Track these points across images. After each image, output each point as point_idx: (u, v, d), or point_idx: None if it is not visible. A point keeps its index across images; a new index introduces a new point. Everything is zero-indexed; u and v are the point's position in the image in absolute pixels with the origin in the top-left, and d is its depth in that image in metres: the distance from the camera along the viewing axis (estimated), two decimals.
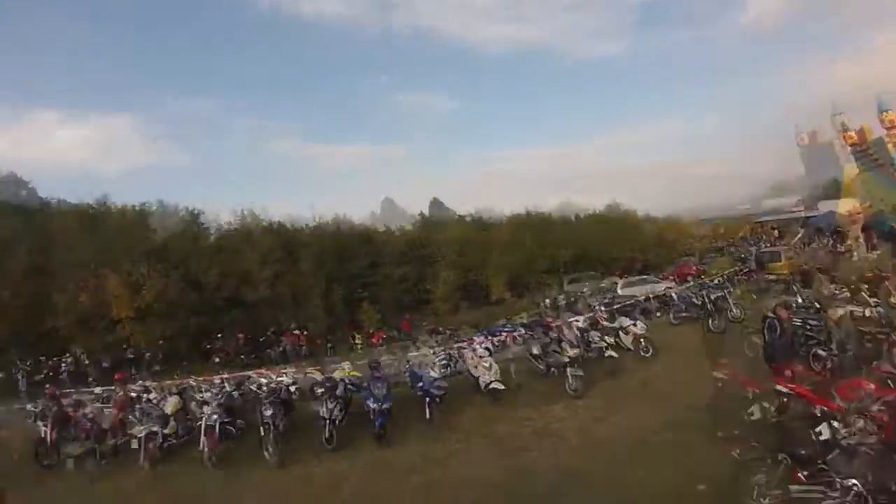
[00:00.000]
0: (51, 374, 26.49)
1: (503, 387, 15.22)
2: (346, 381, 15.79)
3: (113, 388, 19.17)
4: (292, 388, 17.52)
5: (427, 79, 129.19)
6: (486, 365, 15.88)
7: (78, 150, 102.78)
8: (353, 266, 38.39)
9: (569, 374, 15.13)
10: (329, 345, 30.60)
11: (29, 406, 16.92)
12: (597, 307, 25.33)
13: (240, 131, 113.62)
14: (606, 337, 17.77)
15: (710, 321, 19.80)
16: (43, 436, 13.99)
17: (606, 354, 16.70)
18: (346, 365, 18.76)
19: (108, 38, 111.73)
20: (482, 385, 15.42)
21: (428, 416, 13.98)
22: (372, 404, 13.38)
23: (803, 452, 7.55)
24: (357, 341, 31.49)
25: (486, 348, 18.98)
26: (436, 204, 61.10)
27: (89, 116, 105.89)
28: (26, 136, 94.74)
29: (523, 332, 22.95)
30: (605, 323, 19.80)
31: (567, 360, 15.49)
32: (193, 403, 15.41)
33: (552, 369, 16.39)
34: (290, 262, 35.88)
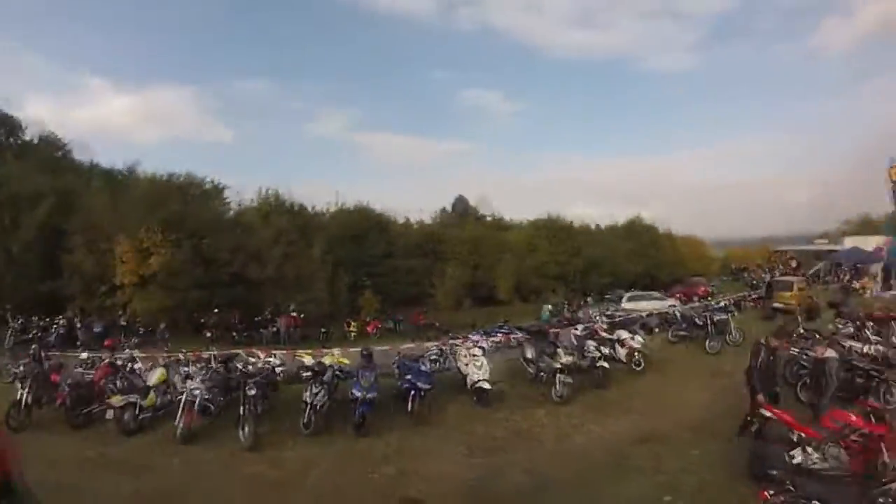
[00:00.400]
0: (40, 334, 25.98)
1: (489, 387, 15.01)
2: (335, 367, 15.62)
3: (100, 354, 19.07)
4: (279, 370, 17.46)
5: (491, 78, 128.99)
6: (478, 364, 15.65)
7: (126, 119, 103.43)
8: (364, 253, 38.29)
9: (557, 380, 15.07)
10: (324, 330, 30.37)
11: (10, 365, 16.74)
12: (597, 318, 25.17)
13: (293, 115, 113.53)
14: (602, 347, 17.55)
15: (707, 342, 19.83)
16: (19, 398, 13.55)
17: (598, 364, 16.53)
18: (336, 351, 18.75)
19: (173, 13, 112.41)
20: (469, 383, 15.25)
21: (410, 408, 13.79)
22: (357, 392, 13.17)
23: (774, 473, 7.77)
24: (352, 329, 31.41)
25: (481, 347, 18.69)
26: (461, 201, 60.78)
27: (140, 88, 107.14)
28: (79, 101, 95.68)
29: (521, 334, 22.84)
30: (604, 334, 19.67)
31: (558, 366, 15.37)
32: (177, 377, 15.13)
33: (542, 374, 16.31)
34: (303, 244, 35.86)
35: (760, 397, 10.52)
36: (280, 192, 40.65)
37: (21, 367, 15.14)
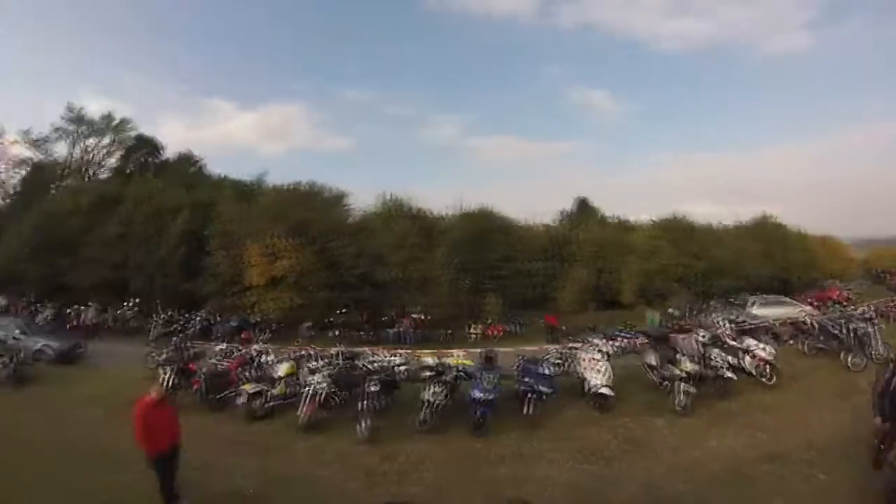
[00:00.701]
0: (182, 327, 29.13)
1: (610, 393, 14.73)
2: (457, 368, 15.87)
3: (235, 346, 20.62)
4: (401, 369, 18.02)
5: (596, 75, 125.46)
6: (600, 369, 15.53)
7: (248, 134, 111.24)
8: (486, 256, 38.21)
9: (680, 389, 14.47)
10: (447, 331, 30.71)
11: (155, 353, 18.54)
12: (723, 324, 23.92)
13: (398, 121, 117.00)
14: (728, 357, 16.69)
15: (847, 356, 17.74)
16: (161, 382, 14.79)
17: (724, 375, 15.64)
18: (459, 352, 18.96)
19: (278, 34, 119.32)
20: (590, 388, 15.06)
21: (528, 411, 13.78)
22: (477, 394, 13.43)
23: None
24: (475, 331, 31.46)
25: (602, 351, 18.30)
26: (580, 202, 59.78)
27: (261, 105, 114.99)
28: (206, 122, 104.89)
29: (643, 339, 22.18)
30: (730, 342, 18.55)
31: (682, 374, 14.88)
32: (305, 371, 16.14)
33: (665, 382, 15.70)
34: (425, 247, 36.47)
35: (878, 421, 9.20)
36: (400, 198, 41.57)
37: (165, 355, 17.37)
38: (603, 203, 61.47)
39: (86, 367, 21.64)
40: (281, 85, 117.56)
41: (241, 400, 14.46)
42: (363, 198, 42.16)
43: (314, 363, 17.07)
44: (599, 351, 17.97)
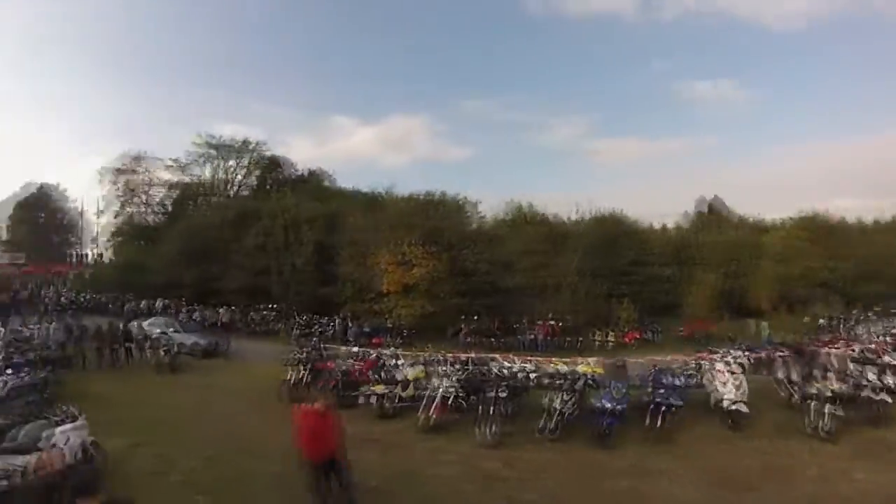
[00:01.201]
0: (320, 329, 31.41)
1: (745, 410, 13.81)
2: (587, 376, 15.73)
3: (368, 350, 21.56)
4: (531, 376, 18.04)
5: (706, 65, 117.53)
6: (736, 383, 14.65)
7: (370, 147, 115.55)
8: (616, 262, 37.49)
9: (825, 410, 13.06)
10: (580, 338, 30.38)
11: (294, 352, 19.82)
12: (877, 336, 21.91)
13: (514, 127, 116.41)
14: (884, 376, 15.09)
15: None
16: (299, 377, 17.10)
17: (878, 397, 14.07)
18: (591, 360, 18.64)
19: (392, 52, 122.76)
20: (723, 403, 14.19)
21: (656, 424, 13.22)
22: (605, 403, 13.15)
23: None
24: (609, 339, 30.83)
25: (740, 364, 17.50)
26: (706, 202, 57.22)
27: (381, 119, 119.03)
28: (331, 137, 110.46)
29: (784, 352, 20.77)
30: (887, 358, 16.91)
31: (828, 393, 13.47)
32: (435, 375, 16.45)
33: (807, 401, 14.10)
34: (553, 253, 36.28)
35: None
36: (526, 204, 41.96)
37: (303, 354, 18.60)
38: (728, 202, 58.00)
39: (228, 362, 24.72)
40: (399, 99, 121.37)
41: (371, 399, 15.07)
42: (486, 205, 42.64)
43: (444, 368, 17.40)
44: (737, 363, 17.18)
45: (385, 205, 41.27)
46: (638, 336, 31.45)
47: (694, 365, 18.70)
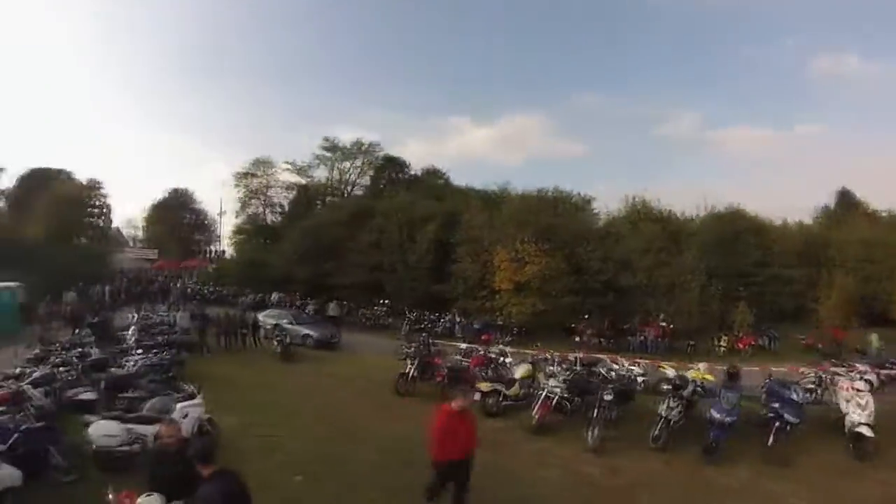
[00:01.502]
0: (429, 325, 32.41)
1: (871, 434, 12.49)
2: (697, 383, 15.13)
3: (476, 347, 21.91)
4: (639, 380, 17.81)
5: (838, 38, 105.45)
6: (861, 402, 13.15)
7: (484, 146, 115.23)
8: (737, 261, 35.85)
9: None
10: (691, 343, 29.21)
11: (404, 346, 20.55)
12: None
13: (629, 120, 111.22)
14: None
15: None
16: (406, 371, 17.61)
17: None
18: (702, 366, 17.90)
19: (505, 49, 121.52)
20: (847, 424, 13.09)
21: (769, 442, 12.46)
22: (715, 414, 12.62)
23: None
24: (721, 343, 29.64)
25: (867, 381, 15.92)
26: (843, 195, 53.53)
27: (494, 118, 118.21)
28: (445, 138, 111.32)
29: None
30: None
31: None
32: (542, 374, 16.51)
33: None
34: (673, 251, 35.13)
35: None
36: (646, 200, 40.85)
37: (412, 349, 19.16)
38: (871, 194, 53.28)
39: (338, 354, 25.98)
40: (512, 97, 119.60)
41: (476, 396, 15.01)
42: (602, 202, 41.96)
43: (552, 368, 17.41)
44: (864, 380, 15.60)
45: (499, 202, 41.51)
46: (753, 342, 29.83)
47: (814, 378, 17.63)
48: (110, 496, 5.76)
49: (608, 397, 13.58)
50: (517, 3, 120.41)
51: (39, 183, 52.50)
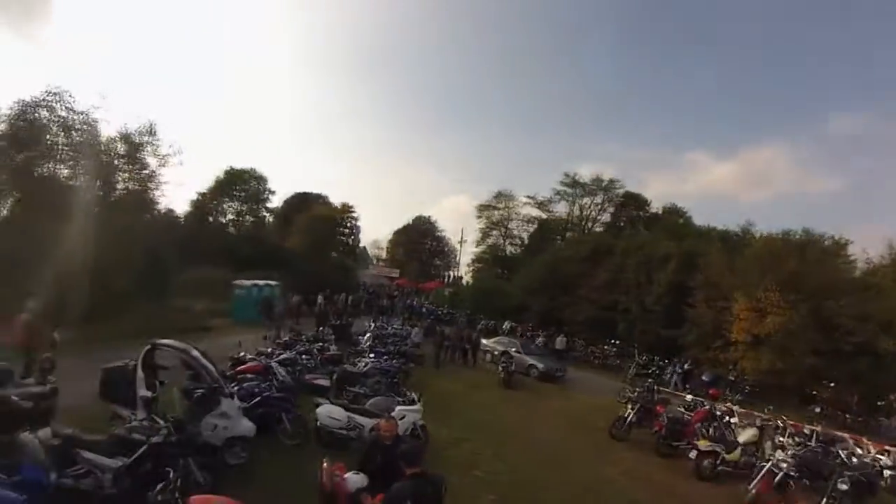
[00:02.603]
0: (656, 371, 31.35)
1: None
2: None
3: (702, 400, 20.78)
4: (886, 473, 15.64)
5: None
6: None
7: (726, 183, 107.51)
8: None
9: None
10: None
11: (628, 390, 20.81)
12: None
13: None
14: None
15: None
16: (625, 415, 17.33)
17: None
18: None
19: (744, 77, 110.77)
20: None
21: None
22: None
23: None
24: None
25: None
26: None
27: (736, 152, 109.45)
28: (685, 175, 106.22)
29: None
30: None
31: None
32: (769, 443, 15.43)
33: None
34: None
35: None
36: None
37: (635, 393, 18.92)
38: None
39: (561, 388, 25.96)
40: (756, 128, 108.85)
41: (692, 454, 14.43)
42: (860, 246, 36.45)
43: (781, 438, 16.13)
44: None
45: (741, 244, 39.05)
46: None
47: None
48: (325, 464, 6.60)
49: (844, 486, 12.07)
50: (754, 22, 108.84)
51: (301, 204, 59.60)
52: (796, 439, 16.04)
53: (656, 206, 59.75)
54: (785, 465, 12.85)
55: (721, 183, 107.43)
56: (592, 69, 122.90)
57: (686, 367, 31.70)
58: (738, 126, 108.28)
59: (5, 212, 24.54)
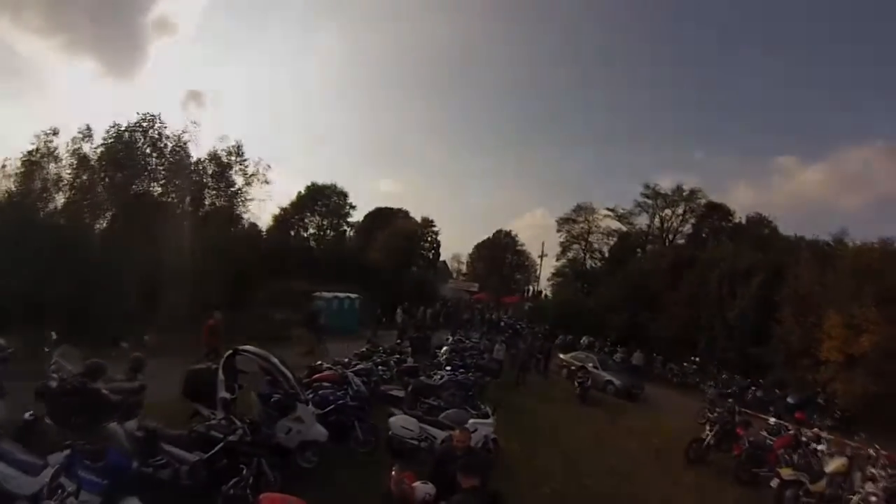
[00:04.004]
0: (738, 391, 29.72)
1: None
2: None
3: (787, 424, 19.80)
4: None
5: None
6: None
7: (817, 188, 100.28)
8: None
9: None
10: None
11: (707, 410, 19.88)
12: None
13: None
14: None
15: None
16: (703, 436, 16.89)
17: None
18: None
19: (833, 73, 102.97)
20: None
21: None
22: None
23: None
24: None
25: None
26: None
27: (827, 154, 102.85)
28: (771, 182, 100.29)
29: None
30: None
31: None
32: (860, 475, 14.44)
33: None
34: None
35: None
36: None
37: (715, 414, 18.14)
38: None
39: (637, 406, 25.72)
40: (848, 127, 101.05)
41: (773, 482, 13.77)
42: None
43: (873, 470, 15.03)
44: None
45: (833, 255, 35.73)
46: None
47: None
48: (394, 472, 6.63)
49: None
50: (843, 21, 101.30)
51: (382, 218, 60.29)
52: (889, 471, 14.90)
53: (740, 216, 57.88)
54: (875, 498, 12.18)
55: (810, 189, 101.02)
56: (674, 77, 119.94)
57: (768, 387, 30.59)
58: (828, 126, 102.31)
59: (105, 225, 26.14)
